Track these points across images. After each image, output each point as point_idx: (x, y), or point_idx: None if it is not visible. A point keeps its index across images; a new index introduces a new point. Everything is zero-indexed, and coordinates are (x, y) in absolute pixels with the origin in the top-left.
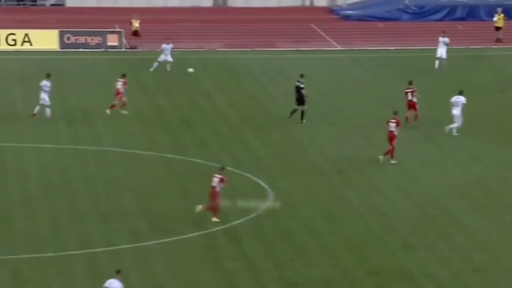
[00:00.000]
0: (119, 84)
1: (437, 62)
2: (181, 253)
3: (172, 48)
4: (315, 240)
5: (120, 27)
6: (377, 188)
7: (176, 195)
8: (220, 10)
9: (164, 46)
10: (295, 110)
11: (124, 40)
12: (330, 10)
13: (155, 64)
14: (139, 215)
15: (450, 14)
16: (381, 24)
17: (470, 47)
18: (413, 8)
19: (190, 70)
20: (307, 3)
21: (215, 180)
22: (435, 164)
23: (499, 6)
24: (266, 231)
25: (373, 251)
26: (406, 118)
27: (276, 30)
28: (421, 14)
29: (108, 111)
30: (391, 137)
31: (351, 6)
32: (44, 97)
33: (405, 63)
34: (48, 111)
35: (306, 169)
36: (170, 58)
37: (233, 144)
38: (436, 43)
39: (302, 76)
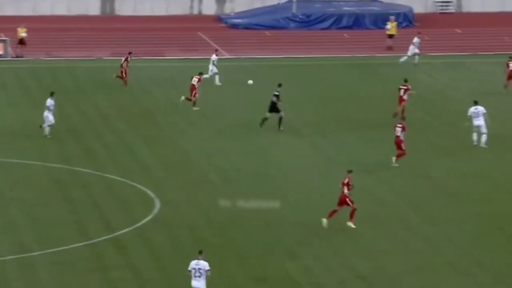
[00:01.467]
0: (195, 81)
1: (405, 58)
2: (67, 263)
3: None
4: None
5: (5, 36)
6: (263, 196)
7: (61, 205)
8: (108, 18)
9: (213, 57)
10: (265, 119)
11: (9, 49)
12: (218, 18)
13: (208, 75)
14: (24, 225)
15: (337, 22)
16: (268, 33)
17: (356, 55)
18: (300, 16)
19: (250, 82)
20: (195, 12)
21: (344, 188)
22: (319, 171)
23: (384, 15)
24: (153, 240)
25: (260, 260)
26: (395, 114)
27: (164, 38)
28: (308, 22)
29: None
30: (397, 142)
31: (239, 15)
32: (48, 115)
33: (293, 71)
34: (48, 129)
35: (194, 178)
36: (216, 70)
37: (121, 153)
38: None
39: (279, 85)
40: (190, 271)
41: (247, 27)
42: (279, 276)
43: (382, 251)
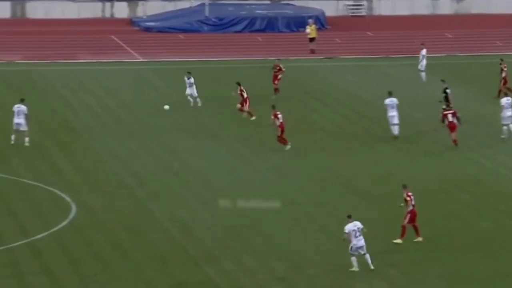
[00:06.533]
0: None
1: (423, 74)
2: None
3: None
4: (119, 254)
5: None
6: (181, 200)
7: None
8: (19, 21)
9: (187, 79)
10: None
11: None
12: (130, 21)
13: (190, 99)
14: None
15: (250, 26)
16: (182, 36)
17: (269, 58)
18: (213, 20)
19: (166, 107)
20: (107, 15)
21: (411, 201)
22: (236, 176)
23: (297, 18)
24: (69, 245)
25: (178, 264)
26: None
27: (76, 42)
28: (221, 26)
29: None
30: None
31: (152, 18)
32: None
33: (207, 74)
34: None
35: (110, 183)
36: (195, 92)
37: (35, 158)
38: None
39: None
40: (348, 233)
41: (160, 30)
42: (198, 280)
43: (298, 251)
